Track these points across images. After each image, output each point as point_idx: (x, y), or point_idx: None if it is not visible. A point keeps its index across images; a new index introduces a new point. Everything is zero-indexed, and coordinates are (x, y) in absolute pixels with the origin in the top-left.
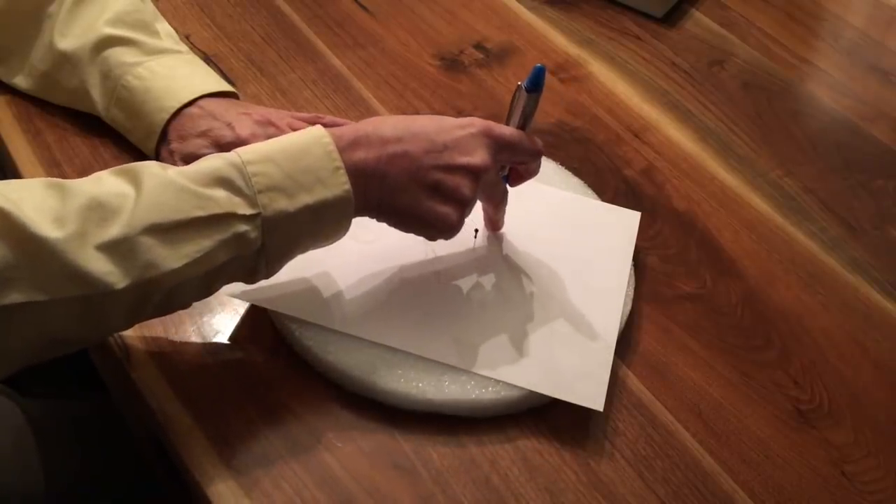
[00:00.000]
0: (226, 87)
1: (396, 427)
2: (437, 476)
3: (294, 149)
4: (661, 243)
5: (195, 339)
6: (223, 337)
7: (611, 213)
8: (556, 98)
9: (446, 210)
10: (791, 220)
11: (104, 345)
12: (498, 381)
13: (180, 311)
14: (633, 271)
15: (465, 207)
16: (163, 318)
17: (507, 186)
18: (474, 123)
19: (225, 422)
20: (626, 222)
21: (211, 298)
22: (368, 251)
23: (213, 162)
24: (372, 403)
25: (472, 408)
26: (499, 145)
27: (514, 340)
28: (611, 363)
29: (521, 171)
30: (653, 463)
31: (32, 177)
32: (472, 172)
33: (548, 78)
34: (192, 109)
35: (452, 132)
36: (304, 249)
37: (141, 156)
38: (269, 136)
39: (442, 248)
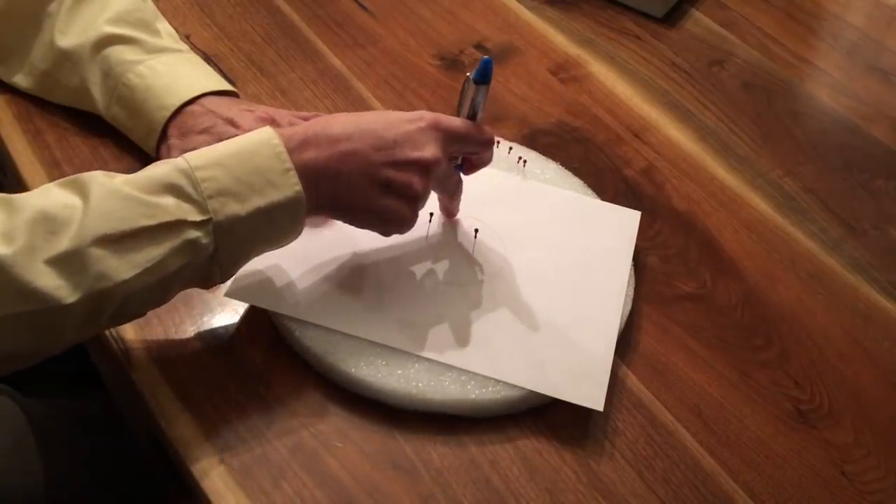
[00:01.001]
0: (226, 86)
1: (396, 427)
2: (437, 476)
3: (243, 151)
4: (661, 243)
5: (195, 339)
6: (223, 337)
7: (611, 213)
8: (556, 98)
9: (399, 206)
10: (791, 220)
11: (104, 345)
12: (498, 381)
13: (181, 311)
14: (633, 271)
15: (417, 202)
16: (162, 318)
17: (462, 176)
18: (423, 117)
19: (225, 422)
20: (626, 222)
21: (211, 298)
22: (368, 252)
23: (161, 168)
24: (372, 403)
25: (472, 408)
26: (449, 137)
27: (515, 340)
28: (611, 363)
29: (473, 160)
30: (653, 463)
31: (33, 177)
32: (423, 167)
33: (548, 78)
34: (194, 107)
35: (401, 127)
36: (258, 252)
37: (142, 154)
38: None
39: (443, 248)
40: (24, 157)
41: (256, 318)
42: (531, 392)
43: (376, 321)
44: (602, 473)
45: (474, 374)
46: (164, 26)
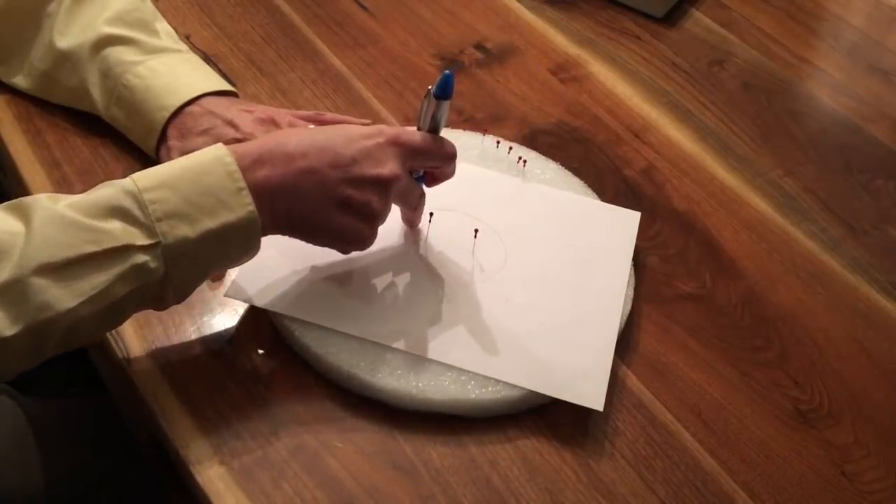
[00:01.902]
0: (226, 86)
1: (396, 427)
2: (437, 476)
3: (193, 171)
4: (661, 243)
5: (195, 339)
6: (223, 337)
7: (611, 213)
8: (556, 98)
9: (357, 225)
10: (791, 220)
11: (104, 345)
12: (498, 381)
13: (180, 311)
14: (633, 271)
15: (375, 221)
16: (163, 318)
17: (425, 188)
18: (382, 132)
19: (225, 422)
20: (626, 222)
21: (211, 298)
22: (368, 252)
23: (107, 191)
24: (372, 403)
25: (472, 408)
26: (408, 153)
27: (514, 340)
28: (611, 363)
29: (435, 173)
30: (653, 463)
31: (33, 177)
32: (382, 184)
33: (548, 78)
34: (193, 108)
35: (359, 143)
36: (214, 272)
37: (142, 154)
38: None
39: (443, 248)
40: (24, 156)
41: (256, 318)
42: (531, 392)
43: (376, 321)
44: (602, 473)
45: (474, 374)
46: (163, 26)
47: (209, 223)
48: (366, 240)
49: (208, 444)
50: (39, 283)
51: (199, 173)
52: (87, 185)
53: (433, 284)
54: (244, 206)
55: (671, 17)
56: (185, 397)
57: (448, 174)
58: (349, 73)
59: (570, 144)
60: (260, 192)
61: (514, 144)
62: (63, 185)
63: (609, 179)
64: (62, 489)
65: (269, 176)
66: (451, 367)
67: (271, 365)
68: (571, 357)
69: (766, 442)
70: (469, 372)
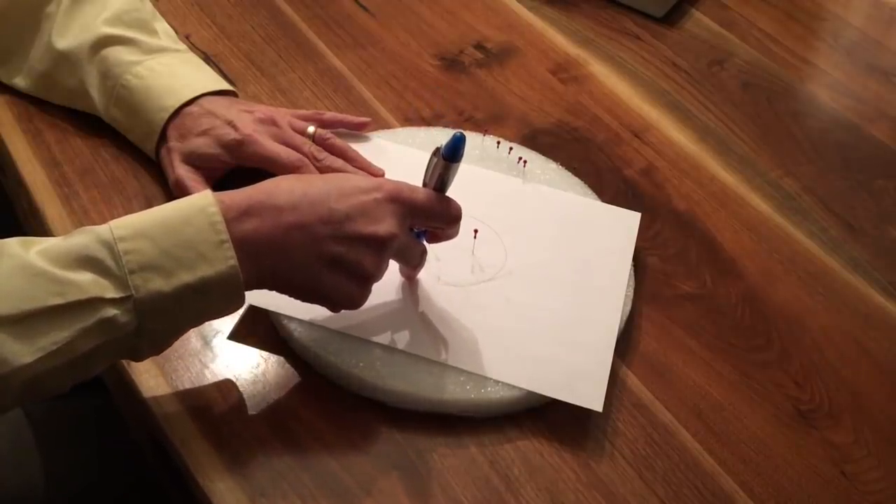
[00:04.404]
0: (225, 85)
1: (397, 427)
2: (437, 476)
3: (174, 220)
4: (661, 243)
5: (195, 339)
6: (223, 337)
7: (611, 214)
8: (556, 98)
9: (346, 285)
10: (791, 220)
11: None
12: (498, 381)
13: None
14: (633, 271)
15: (367, 281)
16: None
17: (426, 244)
18: (382, 187)
19: (225, 422)
20: (626, 222)
21: None
22: None
23: (82, 238)
24: (372, 403)
25: (472, 408)
26: (408, 210)
27: (514, 340)
28: (610, 363)
29: (437, 233)
30: (653, 463)
31: (33, 177)
32: (377, 243)
33: (548, 78)
34: (193, 108)
35: (355, 197)
36: (194, 326)
37: (142, 155)
38: (270, 135)
39: (443, 249)
40: (24, 157)
41: (256, 318)
42: (531, 392)
43: (376, 321)
44: (602, 473)
45: (474, 374)
46: (161, 26)
47: (186, 277)
48: (356, 301)
49: (208, 444)
50: None
51: (180, 223)
52: (87, 185)
53: (432, 285)
54: (225, 259)
55: (671, 17)
56: (184, 397)
57: (451, 235)
58: (349, 74)
59: (570, 144)
60: (245, 246)
61: (514, 144)
62: (63, 185)
63: (609, 179)
64: (62, 489)
65: (257, 229)
66: (450, 367)
67: (271, 365)
68: (571, 357)
69: (766, 442)
70: (469, 372)
